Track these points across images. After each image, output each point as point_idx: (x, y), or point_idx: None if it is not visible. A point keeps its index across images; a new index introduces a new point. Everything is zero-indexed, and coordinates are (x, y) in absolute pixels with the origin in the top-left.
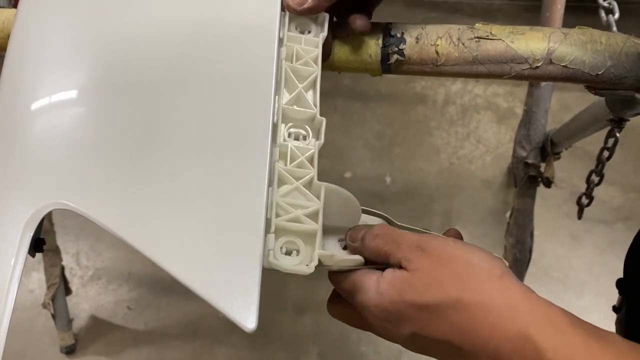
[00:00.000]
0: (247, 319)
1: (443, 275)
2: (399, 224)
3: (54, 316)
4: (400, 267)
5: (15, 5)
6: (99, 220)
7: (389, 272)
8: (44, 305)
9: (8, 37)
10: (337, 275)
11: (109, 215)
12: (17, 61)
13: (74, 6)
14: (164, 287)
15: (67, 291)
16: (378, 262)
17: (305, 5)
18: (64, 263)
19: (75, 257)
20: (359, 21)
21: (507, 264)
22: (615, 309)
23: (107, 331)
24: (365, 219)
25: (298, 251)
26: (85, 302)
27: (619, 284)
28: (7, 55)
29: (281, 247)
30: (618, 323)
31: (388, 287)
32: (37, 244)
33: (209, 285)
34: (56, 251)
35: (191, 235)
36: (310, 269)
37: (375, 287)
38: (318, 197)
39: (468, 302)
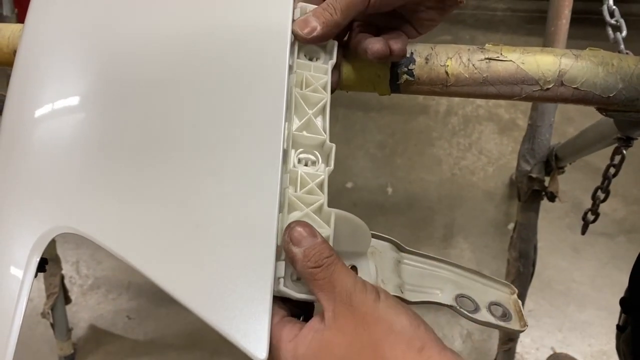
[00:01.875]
0: (258, 348)
1: (362, 343)
2: (409, 249)
3: (53, 325)
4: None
5: (19, 14)
6: (108, 245)
7: (308, 331)
8: (43, 315)
9: (13, 52)
10: None
11: (118, 242)
12: (23, 79)
13: (83, 15)
14: (164, 297)
15: (67, 300)
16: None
17: (315, 33)
18: (63, 272)
19: (75, 265)
20: (377, 45)
21: (433, 333)
22: (619, 327)
23: (106, 341)
24: (375, 244)
25: None
26: (85, 311)
27: (623, 302)
28: (14, 73)
29: (291, 274)
30: (624, 342)
31: (306, 352)
32: (40, 264)
33: (218, 314)
34: (56, 260)
35: (201, 263)
36: None
37: (293, 349)
38: (328, 224)
39: None
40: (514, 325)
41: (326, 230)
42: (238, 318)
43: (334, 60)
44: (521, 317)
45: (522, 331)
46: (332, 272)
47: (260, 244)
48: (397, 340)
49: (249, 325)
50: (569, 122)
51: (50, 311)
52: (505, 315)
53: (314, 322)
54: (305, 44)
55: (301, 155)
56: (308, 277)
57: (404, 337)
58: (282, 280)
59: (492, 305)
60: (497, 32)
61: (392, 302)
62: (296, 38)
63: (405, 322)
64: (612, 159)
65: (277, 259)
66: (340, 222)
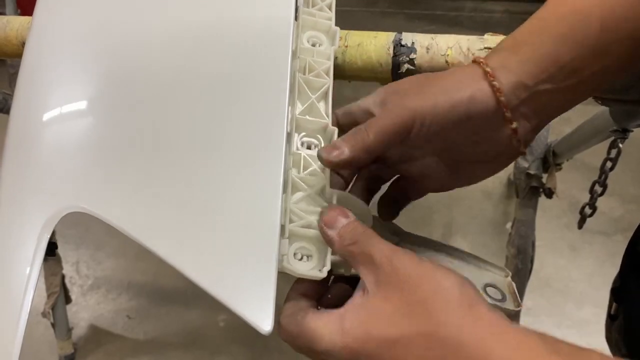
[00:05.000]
0: (264, 321)
1: (410, 303)
2: (406, 232)
3: (53, 325)
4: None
5: (22, 14)
6: (115, 222)
7: (352, 307)
8: (44, 314)
9: (22, 44)
10: (284, 328)
11: (126, 219)
12: (32, 70)
13: (90, 14)
14: (164, 296)
15: (67, 300)
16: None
17: (342, 157)
18: (64, 272)
19: (75, 266)
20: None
21: (479, 290)
22: (611, 316)
23: (106, 340)
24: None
25: (310, 256)
26: (85, 311)
27: (614, 291)
28: (23, 65)
29: (295, 253)
30: (616, 331)
31: (353, 323)
32: (49, 248)
33: (226, 288)
34: (57, 260)
35: (208, 240)
36: (323, 273)
37: (339, 325)
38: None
39: (437, 336)
40: (509, 305)
41: None
42: (244, 292)
43: (337, 46)
44: (515, 298)
45: (518, 311)
46: (368, 245)
47: (265, 222)
48: (446, 298)
49: (255, 298)
50: (565, 123)
51: (50, 311)
52: (501, 296)
53: (354, 298)
54: (332, 168)
55: (304, 139)
56: (348, 255)
57: (454, 295)
58: (285, 257)
59: (487, 286)
60: None
61: (433, 263)
62: (322, 163)
63: (453, 278)
64: (608, 152)
65: (281, 237)
66: (342, 203)
